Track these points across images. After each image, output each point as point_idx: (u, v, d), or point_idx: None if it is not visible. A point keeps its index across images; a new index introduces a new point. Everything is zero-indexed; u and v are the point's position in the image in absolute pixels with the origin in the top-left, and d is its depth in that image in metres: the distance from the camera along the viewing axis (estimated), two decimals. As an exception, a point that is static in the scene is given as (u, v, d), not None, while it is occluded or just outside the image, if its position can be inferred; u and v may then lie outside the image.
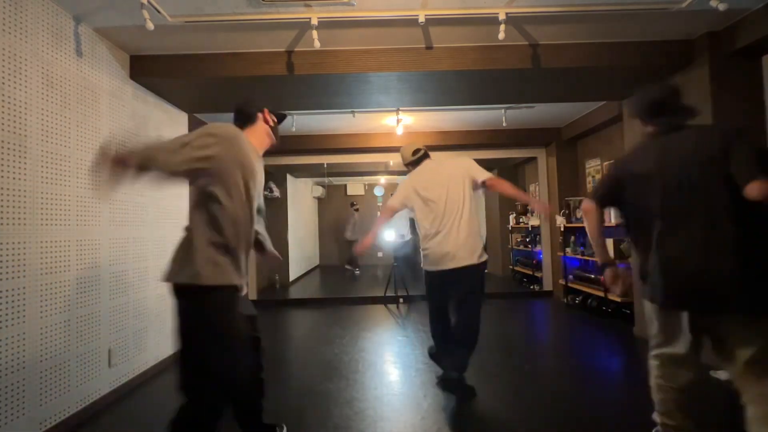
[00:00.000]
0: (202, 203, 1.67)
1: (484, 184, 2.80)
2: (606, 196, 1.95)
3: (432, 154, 3.10)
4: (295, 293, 7.43)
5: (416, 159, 3.00)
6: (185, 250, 1.64)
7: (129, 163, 1.50)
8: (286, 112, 4.83)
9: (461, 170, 2.82)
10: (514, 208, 7.85)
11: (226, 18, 2.78)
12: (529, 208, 7.43)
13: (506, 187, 2.76)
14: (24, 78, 2.33)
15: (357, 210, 10.22)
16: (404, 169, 3.11)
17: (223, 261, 1.66)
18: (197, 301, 1.62)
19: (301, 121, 5.18)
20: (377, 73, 3.35)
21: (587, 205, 1.97)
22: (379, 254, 11.44)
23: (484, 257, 2.76)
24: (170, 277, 1.64)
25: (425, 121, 5.56)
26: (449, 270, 2.70)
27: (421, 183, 2.87)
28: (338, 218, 11.51)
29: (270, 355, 4.04)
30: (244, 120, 1.93)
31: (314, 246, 11.20)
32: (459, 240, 2.69)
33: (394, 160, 6.42)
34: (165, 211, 3.68)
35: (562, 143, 6.13)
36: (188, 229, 1.68)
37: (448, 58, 3.29)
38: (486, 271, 2.87)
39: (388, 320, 5.10)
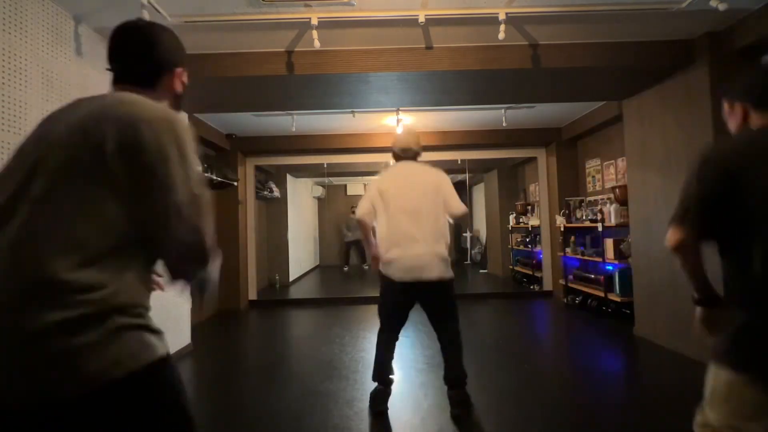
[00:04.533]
0: None
1: (458, 216, 2.65)
2: (708, 219, 1.19)
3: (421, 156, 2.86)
4: (295, 293, 7.44)
5: (403, 156, 2.78)
6: None
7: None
8: (287, 111, 4.83)
9: (439, 187, 2.63)
10: (514, 208, 7.85)
11: (226, 18, 2.78)
12: (529, 207, 7.43)
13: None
14: (24, 78, 2.33)
15: (354, 213, 10.28)
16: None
17: None
18: None
19: (301, 121, 5.17)
20: (377, 73, 3.35)
21: (678, 237, 1.22)
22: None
23: (451, 273, 2.62)
24: None
25: (425, 121, 5.56)
26: (419, 282, 2.52)
27: (393, 185, 2.65)
28: (338, 218, 11.51)
29: (270, 355, 4.04)
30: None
31: (314, 246, 11.19)
32: (429, 251, 2.52)
33: (394, 160, 6.42)
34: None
35: (562, 143, 6.13)
36: None
37: (448, 58, 3.29)
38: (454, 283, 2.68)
39: (388, 320, 5.08)
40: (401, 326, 2.71)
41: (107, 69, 1.05)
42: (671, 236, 1.24)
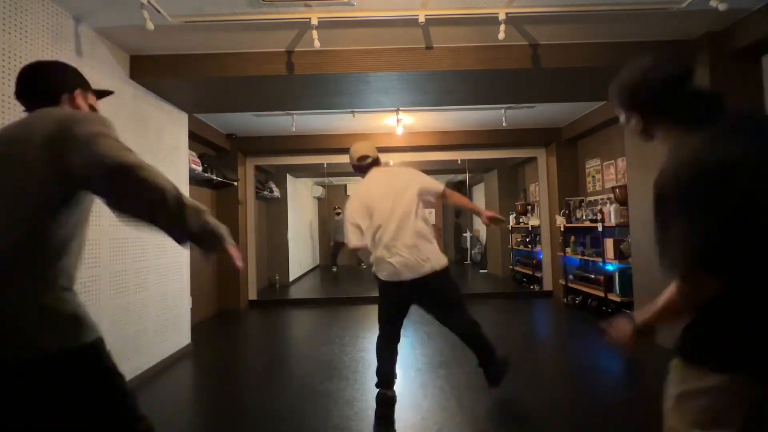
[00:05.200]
0: None
1: (443, 194, 2.71)
2: (728, 245, 0.96)
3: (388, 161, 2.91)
4: (295, 293, 7.44)
5: (362, 165, 2.79)
6: None
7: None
8: (287, 111, 4.83)
9: (412, 182, 2.67)
10: (514, 208, 7.85)
11: (226, 18, 2.78)
12: (528, 208, 7.44)
13: (459, 198, 2.84)
14: (24, 78, 2.33)
15: (338, 214, 10.29)
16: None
17: None
18: None
19: (301, 121, 5.17)
20: (377, 73, 3.35)
21: (711, 286, 1.00)
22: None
23: (444, 261, 2.64)
24: None
25: (425, 121, 5.56)
26: (410, 280, 2.55)
27: (367, 199, 2.67)
28: (331, 219, 11.52)
29: (270, 355, 4.04)
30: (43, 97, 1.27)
31: (314, 246, 11.20)
32: (415, 252, 2.54)
33: (393, 160, 6.42)
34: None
35: (562, 143, 6.13)
36: None
37: (448, 58, 3.29)
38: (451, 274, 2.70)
39: (388, 320, 5.08)
40: (399, 328, 2.72)
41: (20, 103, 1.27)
42: (703, 286, 1.00)
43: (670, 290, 1.08)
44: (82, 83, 1.35)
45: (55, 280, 1.11)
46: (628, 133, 4.26)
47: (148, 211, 1.07)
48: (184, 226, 1.08)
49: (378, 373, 2.67)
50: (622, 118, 1.24)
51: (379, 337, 2.73)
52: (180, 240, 1.12)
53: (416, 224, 2.59)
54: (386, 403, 2.62)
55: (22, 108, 1.26)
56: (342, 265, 10.63)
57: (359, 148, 2.81)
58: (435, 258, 2.59)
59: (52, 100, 1.27)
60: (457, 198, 2.85)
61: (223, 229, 1.15)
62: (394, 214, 2.59)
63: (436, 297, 2.65)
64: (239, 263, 1.19)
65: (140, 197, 1.06)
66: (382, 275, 2.63)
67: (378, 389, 2.65)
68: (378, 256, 2.62)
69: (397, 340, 2.72)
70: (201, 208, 1.12)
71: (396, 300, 2.67)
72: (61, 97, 1.29)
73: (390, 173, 2.80)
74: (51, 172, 1.07)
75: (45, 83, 1.29)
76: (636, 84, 1.19)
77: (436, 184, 2.74)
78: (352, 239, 2.69)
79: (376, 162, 2.80)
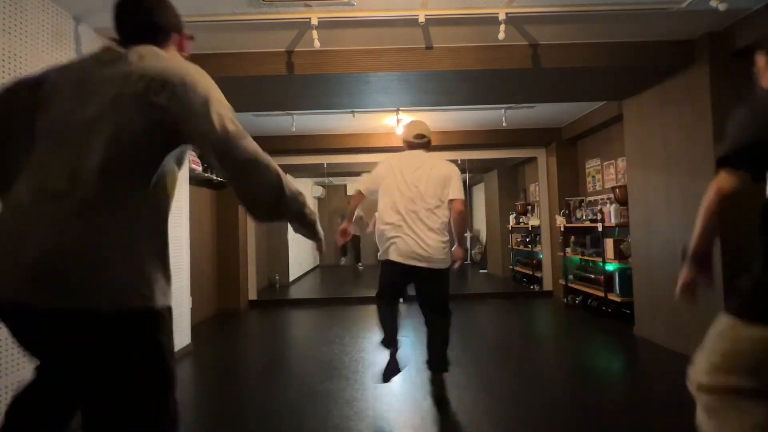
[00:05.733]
0: None
1: (453, 204, 2.70)
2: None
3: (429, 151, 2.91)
4: (295, 293, 7.44)
5: (414, 143, 2.81)
6: None
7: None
8: (287, 111, 4.83)
9: (449, 179, 2.70)
10: (514, 208, 7.86)
11: (226, 18, 2.78)
12: (528, 207, 7.44)
13: (456, 221, 2.73)
14: (24, 78, 2.33)
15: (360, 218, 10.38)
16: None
17: None
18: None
19: (301, 121, 5.17)
20: (377, 73, 3.35)
21: (732, 184, 1.14)
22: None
23: (447, 263, 2.71)
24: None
25: (425, 121, 5.55)
26: (419, 268, 2.63)
27: (405, 167, 2.71)
28: (336, 215, 11.52)
29: (270, 355, 4.04)
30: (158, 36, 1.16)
31: (314, 246, 11.19)
32: (431, 238, 2.61)
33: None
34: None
35: (562, 143, 6.13)
36: None
37: (448, 58, 3.29)
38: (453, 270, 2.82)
39: (388, 320, 5.08)
40: (399, 295, 2.83)
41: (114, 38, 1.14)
42: (724, 182, 1.14)
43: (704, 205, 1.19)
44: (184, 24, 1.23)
45: (163, 236, 1.13)
46: (629, 134, 4.27)
47: (251, 196, 1.09)
48: (283, 215, 1.14)
49: (380, 329, 2.79)
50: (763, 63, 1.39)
51: (377, 296, 2.82)
52: (272, 220, 1.18)
53: (434, 216, 2.64)
54: (388, 369, 2.74)
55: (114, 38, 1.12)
56: (333, 265, 10.64)
57: (418, 126, 2.86)
58: (437, 255, 2.63)
59: (160, 39, 1.13)
60: (455, 219, 2.74)
61: (315, 219, 1.26)
62: (419, 197, 2.64)
63: (429, 289, 2.73)
64: (321, 249, 1.37)
65: (249, 183, 1.07)
66: (381, 249, 2.72)
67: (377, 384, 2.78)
68: (382, 228, 2.69)
69: (397, 302, 2.81)
70: (301, 200, 1.17)
71: (392, 274, 2.74)
72: (171, 36, 1.16)
73: (435, 160, 2.79)
74: (154, 127, 1.01)
75: (161, 15, 1.14)
76: None
77: (461, 192, 2.72)
78: (366, 183, 2.80)
79: (427, 145, 2.85)
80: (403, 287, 2.82)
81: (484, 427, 2.42)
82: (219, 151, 1.03)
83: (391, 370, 2.75)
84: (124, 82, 1.00)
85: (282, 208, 1.11)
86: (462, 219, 2.72)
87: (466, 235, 2.77)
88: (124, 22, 1.13)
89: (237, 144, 1.03)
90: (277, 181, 1.08)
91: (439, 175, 2.68)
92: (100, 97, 1.01)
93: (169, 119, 1.00)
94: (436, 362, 2.75)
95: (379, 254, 2.76)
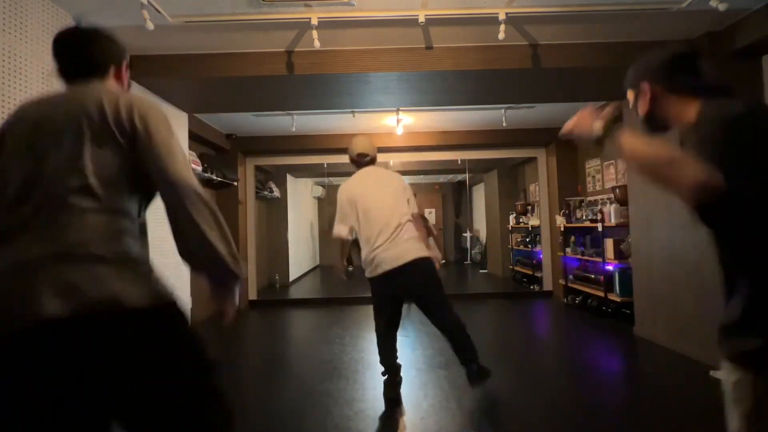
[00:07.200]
0: None
1: (413, 216, 2.79)
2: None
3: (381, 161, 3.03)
4: (295, 293, 7.44)
5: (361, 162, 2.89)
6: None
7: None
8: (287, 111, 4.83)
9: (404, 190, 2.82)
10: (514, 208, 7.86)
11: (226, 18, 2.78)
12: (529, 207, 7.44)
13: (422, 231, 2.80)
14: (24, 78, 2.33)
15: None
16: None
17: None
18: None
19: (301, 121, 5.17)
20: (377, 73, 3.35)
21: (715, 182, 0.95)
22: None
23: (425, 253, 2.72)
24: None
25: (425, 121, 5.56)
26: (395, 268, 2.64)
27: (364, 189, 2.79)
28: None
29: (270, 355, 4.04)
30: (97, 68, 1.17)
31: (314, 246, 11.20)
32: (401, 244, 2.66)
33: (394, 160, 6.42)
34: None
35: (562, 143, 6.12)
36: None
37: (448, 58, 3.29)
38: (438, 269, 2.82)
39: (388, 320, 5.08)
40: (395, 326, 2.82)
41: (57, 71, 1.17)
42: (709, 179, 0.96)
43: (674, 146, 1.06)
44: (126, 54, 1.22)
45: (146, 244, 1.14)
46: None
47: (190, 248, 1.12)
48: (214, 273, 1.14)
49: (381, 363, 2.83)
50: (633, 97, 1.30)
51: (376, 332, 2.84)
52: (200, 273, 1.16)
53: (402, 225, 2.70)
54: (388, 385, 2.77)
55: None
56: (331, 266, 10.61)
57: (361, 145, 2.90)
58: (416, 249, 2.67)
59: (100, 72, 1.14)
60: (420, 229, 2.82)
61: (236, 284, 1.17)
62: (384, 212, 2.70)
63: (419, 286, 2.71)
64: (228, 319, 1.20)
65: (194, 232, 1.10)
66: (368, 270, 2.75)
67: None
68: (365, 252, 2.73)
69: (394, 333, 2.82)
70: (237, 263, 1.13)
71: (384, 295, 2.76)
72: (110, 68, 1.16)
73: (384, 174, 2.90)
74: (120, 149, 1.03)
75: (99, 49, 1.14)
76: (658, 57, 1.27)
77: (415, 205, 2.85)
78: (337, 229, 2.85)
79: (373, 161, 2.93)
80: (398, 306, 2.82)
81: (485, 427, 2.42)
82: (175, 194, 1.10)
83: (391, 390, 2.79)
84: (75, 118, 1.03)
85: (223, 266, 1.15)
86: (425, 227, 2.83)
87: (430, 240, 2.86)
88: (63, 59, 1.16)
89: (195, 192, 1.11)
90: (227, 238, 1.14)
91: (398, 187, 2.80)
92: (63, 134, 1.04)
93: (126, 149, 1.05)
94: (475, 373, 2.68)
95: (367, 273, 2.77)
